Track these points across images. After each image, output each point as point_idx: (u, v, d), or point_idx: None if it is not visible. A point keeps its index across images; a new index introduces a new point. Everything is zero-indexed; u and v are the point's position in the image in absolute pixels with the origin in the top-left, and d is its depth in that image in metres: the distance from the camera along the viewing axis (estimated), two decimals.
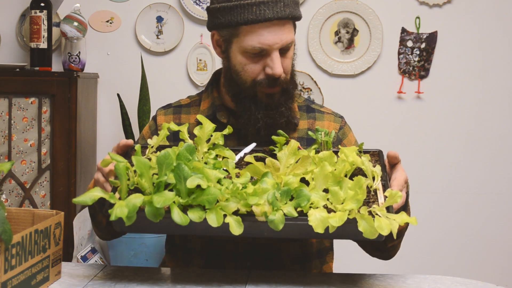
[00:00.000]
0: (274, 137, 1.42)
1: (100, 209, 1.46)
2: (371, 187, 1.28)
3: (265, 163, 1.35)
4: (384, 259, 1.56)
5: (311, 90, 2.79)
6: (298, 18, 1.54)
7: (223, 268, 1.52)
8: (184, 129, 1.41)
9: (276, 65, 1.48)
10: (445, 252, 2.84)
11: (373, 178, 1.30)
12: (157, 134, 1.63)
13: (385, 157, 1.40)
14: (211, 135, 1.41)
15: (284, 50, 1.51)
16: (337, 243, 1.82)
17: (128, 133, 2.67)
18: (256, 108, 1.52)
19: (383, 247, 1.51)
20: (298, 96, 1.64)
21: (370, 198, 1.25)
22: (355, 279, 1.39)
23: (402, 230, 1.45)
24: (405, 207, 1.42)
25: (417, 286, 1.35)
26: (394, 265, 2.26)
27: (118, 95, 2.71)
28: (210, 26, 1.56)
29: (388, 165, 1.38)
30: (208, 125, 1.40)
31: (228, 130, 1.43)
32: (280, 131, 1.44)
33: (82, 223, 2.57)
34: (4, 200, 2.52)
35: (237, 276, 1.37)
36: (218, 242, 1.55)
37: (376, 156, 1.41)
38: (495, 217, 2.82)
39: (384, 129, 2.81)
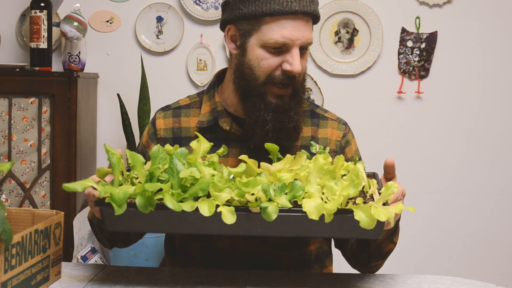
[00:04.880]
0: (266, 145, 1.37)
1: (100, 230, 1.47)
2: (366, 192, 1.27)
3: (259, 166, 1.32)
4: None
5: (311, 90, 2.79)
6: (319, 18, 1.53)
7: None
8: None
9: (296, 61, 1.42)
10: (445, 252, 2.84)
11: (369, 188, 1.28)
12: (157, 139, 1.58)
13: (379, 176, 1.38)
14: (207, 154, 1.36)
15: (303, 49, 1.46)
16: None
17: (128, 133, 2.67)
18: (266, 109, 1.45)
19: (366, 263, 1.48)
20: (305, 101, 1.58)
21: (366, 200, 1.23)
22: (355, 279, 1.40)
23: (389, 250, 1.44)
24: (395, 229, 1.41)
25: (417, 286, 1.35)
26: (394, 265, 2.26)
27: (118, 95, 2.71)
28: (228, 20, 1.50)
29: (384, 179, 1.36)
30: (205, 143, 1.33)
31: (223, 150, 1.37)
32: (270, 144, 1.38)
33: (82, 223, 2.57)
34: (4, 200, 2.52)
35: (237, 277, 1.37)
36: (216, 250, 1.52)
37: (372, 177, 1.38)
38: (495, 217, 2.82)
39: (384, 129, 2.81)
